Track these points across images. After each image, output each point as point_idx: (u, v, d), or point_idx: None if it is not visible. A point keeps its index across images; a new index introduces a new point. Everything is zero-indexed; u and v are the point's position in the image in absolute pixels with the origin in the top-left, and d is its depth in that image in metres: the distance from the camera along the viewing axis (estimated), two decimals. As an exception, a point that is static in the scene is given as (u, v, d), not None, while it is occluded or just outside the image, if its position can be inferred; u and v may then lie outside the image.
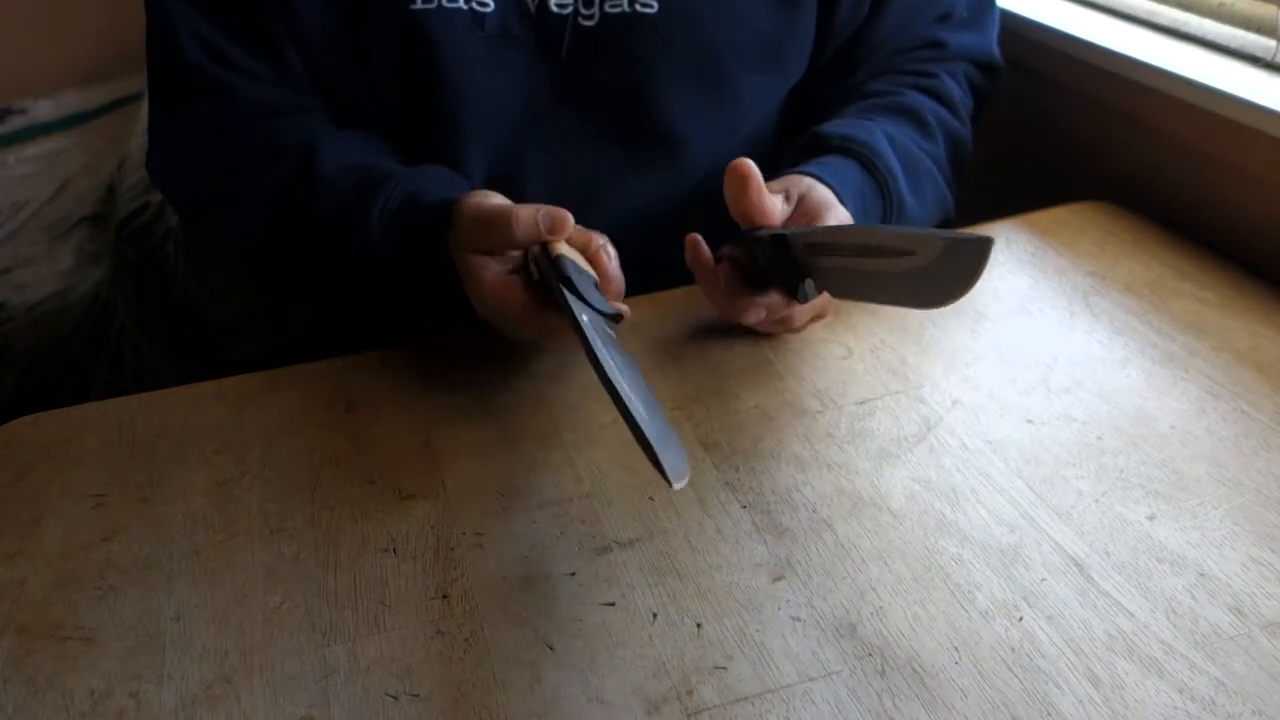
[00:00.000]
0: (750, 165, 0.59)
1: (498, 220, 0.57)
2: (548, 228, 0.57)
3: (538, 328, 0.59)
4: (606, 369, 0.49)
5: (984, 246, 0.48)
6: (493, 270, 0.59)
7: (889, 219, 0.70)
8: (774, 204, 0.60)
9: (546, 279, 0.57)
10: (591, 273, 0.58)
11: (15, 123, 1.69)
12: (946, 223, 0.78)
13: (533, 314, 0.58)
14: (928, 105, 0.76)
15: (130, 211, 1.34)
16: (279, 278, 0.75)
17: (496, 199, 0.60)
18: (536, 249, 0.59)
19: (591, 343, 0.51)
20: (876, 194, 0.69)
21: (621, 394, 0.48)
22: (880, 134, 0.70)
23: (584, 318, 0.53)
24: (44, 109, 1.73)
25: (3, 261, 1.37)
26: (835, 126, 0.71)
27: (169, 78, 0.70)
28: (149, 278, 1.26)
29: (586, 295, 0.55)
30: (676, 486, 0.44)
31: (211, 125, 0.69)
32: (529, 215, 0.57)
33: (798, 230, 0.58)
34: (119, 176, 1.45)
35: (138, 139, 1.49)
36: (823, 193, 0.63)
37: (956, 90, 0.78)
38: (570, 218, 0.57)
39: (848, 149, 0.69)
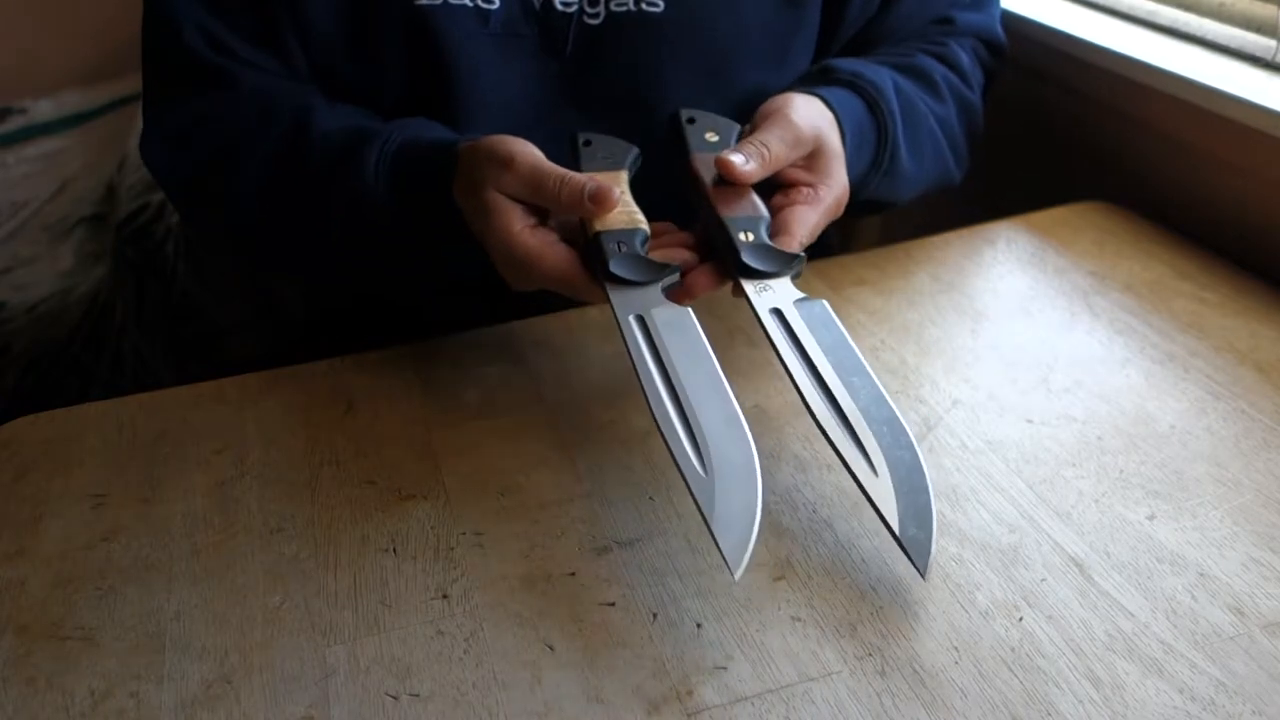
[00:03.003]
0: (736, 165, 0.58)
1: (552, 179, 0.56)
2: (592, 198, 0.55)
3: (563, 285, 0.57)
4: (657, 415, 0.50)
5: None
6: (521, 218, 0.57)
7: (880, 160, 0.69)
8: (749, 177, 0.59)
9: (589, 250, 0.56)
10: (641, 226, 0.57)
11: (15, 123, 1.69)
12: (947, 189, 0.77)
13: (561, 268, 0.56)
14: (937, 69, 0.75)
15: (130, 211, 1.34)
16: (276, 248, 0.73)
17: (538, 152, 0.58)
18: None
19: (640, 375, 0.51)
20: (873, 132, 0.68)
21: (671, 446, 0.48)
22: (889, 78, 0.70)
23: (629, 318, 0.53)
24: (44, 109, 1.72)
25: (3, 261, 1.37)
26: (845, 62, 0.70)
27: (169, 68, 0.70)
28: (149, 278, 1.26)
29: (638, 276, 0.54)
30: (735, 576, 0.45)
31: (210, 112, 0.69)
32: (577, 186, 0.55)
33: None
34: (119, 176, 1.45)
35: (137, 139, 1.49)
36: (833, 148, 0.62)
37: (965, 58, 0.78)
38: (616, 193, 0.56)
39: (854, 84, 0.68)
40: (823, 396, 0.52)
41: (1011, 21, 0.91)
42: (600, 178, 0.57)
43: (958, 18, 0.79)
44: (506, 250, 0.57)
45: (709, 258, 0.58)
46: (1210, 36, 0.83)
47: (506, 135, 0.59)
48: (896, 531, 0.48)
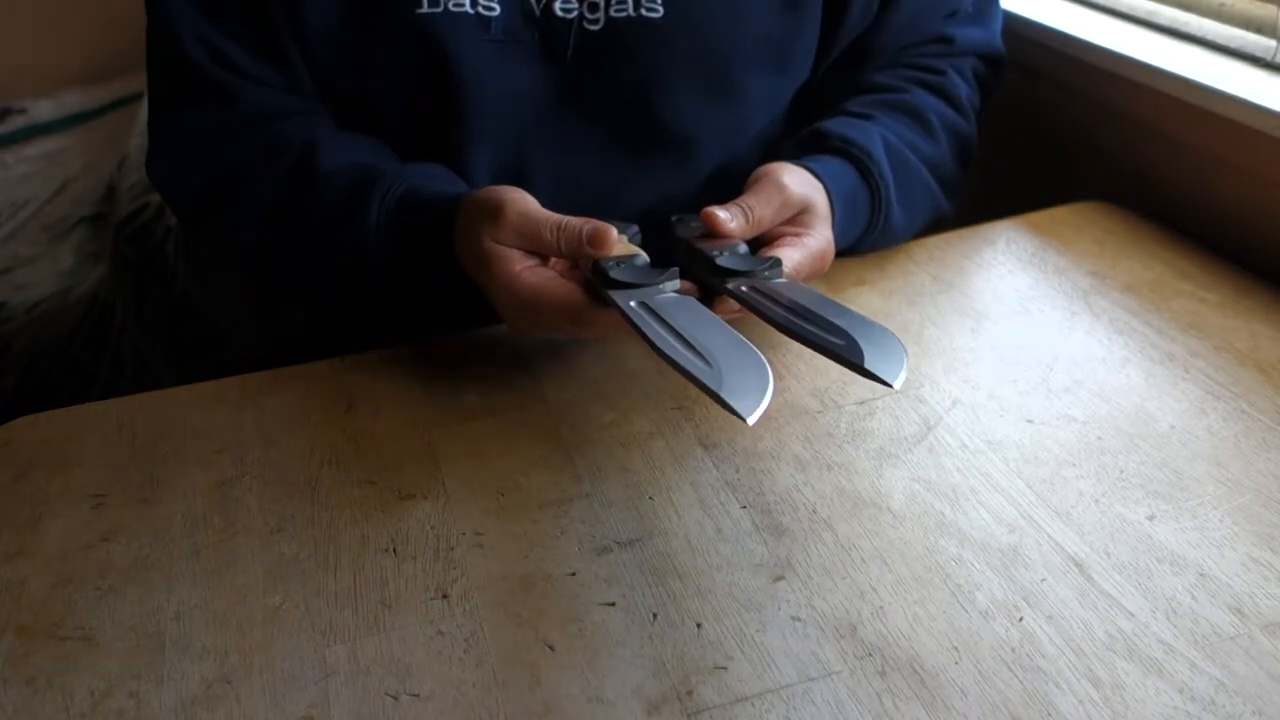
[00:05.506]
0: (721, 220, 0.60)
1: (548, 226, 0.57)
2: (589, 240, 0.57)
3: (570, 317, 0.58)
4: (658, 343, 0.50)
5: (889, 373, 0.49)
6: (520, 260, 0.58)
7: (875, 223, 0.71)
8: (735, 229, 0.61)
9: (592, 280, 0.57)
10: (639, 254, 0.58)
11: (15, 123, 1.70)
12: (940, 223, 0.78)
13: (565, 296, 0.57)
14: (932, 104, 0.76)
15: (130, 211, 1.34)
16: (279, 276, 0.75)
17: (531, 200, 0.60)
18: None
19: (640, 325, 0.52)
20: (866, 199, 0.70)
21: (674, 359, 0.48)
22: (878, 138, 0.71)
23: (631, 304, 0.54)
24: (44, 109, 1.73)
25: (3, 261, 1.37)
26: (836, 125, 0.71)
27: (170, 80, 0.70)
28: (149, 278, 1.26)
29: (638, 280, 0.55)
30: (750, 421, 0.44)
31: (213, 127, 0.69)
32: (575, 229, 0.57)
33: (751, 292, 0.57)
34: (119, 176, 1.46)
35: (138, 139, 1.49)
36: (820, 210, 0.64)
37: (963, 87, 0.78)
38: (614, 232, 0.57)
39: (846, 152, 0.70)
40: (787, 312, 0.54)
41: (1011, 21, 0.91)
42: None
43: (958, 37, 0.78)
44: (510, 292, 0.58)
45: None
46: (1210, 36, 0.83)
47: (500, 185, 0.61)
48: (868, 367, 0.48)
